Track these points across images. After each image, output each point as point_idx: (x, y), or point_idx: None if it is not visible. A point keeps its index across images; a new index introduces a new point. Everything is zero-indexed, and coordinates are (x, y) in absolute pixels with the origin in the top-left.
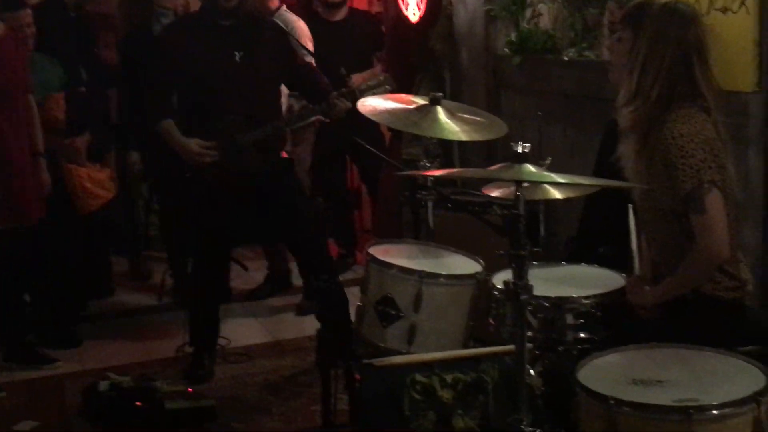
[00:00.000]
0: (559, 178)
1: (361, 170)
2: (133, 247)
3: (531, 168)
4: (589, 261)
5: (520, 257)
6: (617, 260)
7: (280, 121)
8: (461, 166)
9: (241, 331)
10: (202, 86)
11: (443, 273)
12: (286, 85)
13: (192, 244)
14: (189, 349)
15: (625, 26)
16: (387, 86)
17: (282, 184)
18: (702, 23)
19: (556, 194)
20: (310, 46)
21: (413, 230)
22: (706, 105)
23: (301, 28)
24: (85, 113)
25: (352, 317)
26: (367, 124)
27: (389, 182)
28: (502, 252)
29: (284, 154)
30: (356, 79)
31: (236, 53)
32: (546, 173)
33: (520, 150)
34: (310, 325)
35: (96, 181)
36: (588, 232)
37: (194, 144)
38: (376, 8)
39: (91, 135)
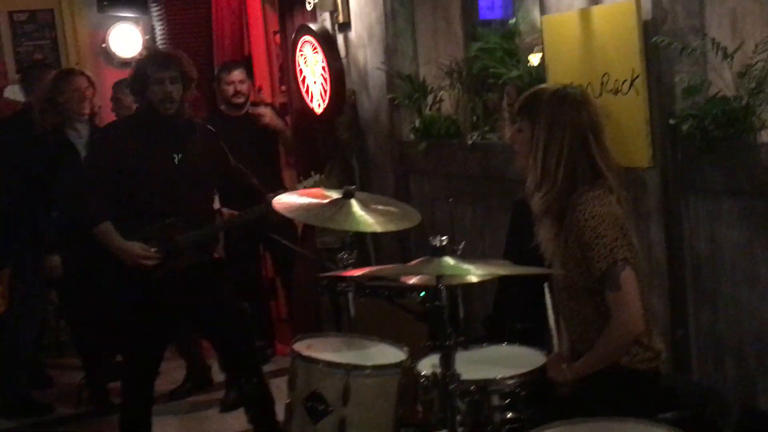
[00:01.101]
0: (478, 270)
1: (275, 261)
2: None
3: (450, 261)
4: (508, 337)
5: (445, 347)
6: (535, 335)
7: (218, 221)
8: (375, 252)
9: None
10: (142, 188)
11: (369, 364)
12: (219, 187)
13: (123, 348)
14: None
15: (522, 117)
16: (321, 186)
17: (214, 284)
18: (593, 104)
19: (473, 279)
20: None
21: (333, 319)
22: (608, 183)
23: None
24: None
25: (280, 415)
26: (279, 216)
27: (304, 271)
28: (427, 343)
29: (216, 256)
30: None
31: (175, 156)
32: (465, 266)
33: (437, 244)
34: (235, 421)
35: None
36: (504, 308)
37: (137, 247)
38: (281, 99)
39: None
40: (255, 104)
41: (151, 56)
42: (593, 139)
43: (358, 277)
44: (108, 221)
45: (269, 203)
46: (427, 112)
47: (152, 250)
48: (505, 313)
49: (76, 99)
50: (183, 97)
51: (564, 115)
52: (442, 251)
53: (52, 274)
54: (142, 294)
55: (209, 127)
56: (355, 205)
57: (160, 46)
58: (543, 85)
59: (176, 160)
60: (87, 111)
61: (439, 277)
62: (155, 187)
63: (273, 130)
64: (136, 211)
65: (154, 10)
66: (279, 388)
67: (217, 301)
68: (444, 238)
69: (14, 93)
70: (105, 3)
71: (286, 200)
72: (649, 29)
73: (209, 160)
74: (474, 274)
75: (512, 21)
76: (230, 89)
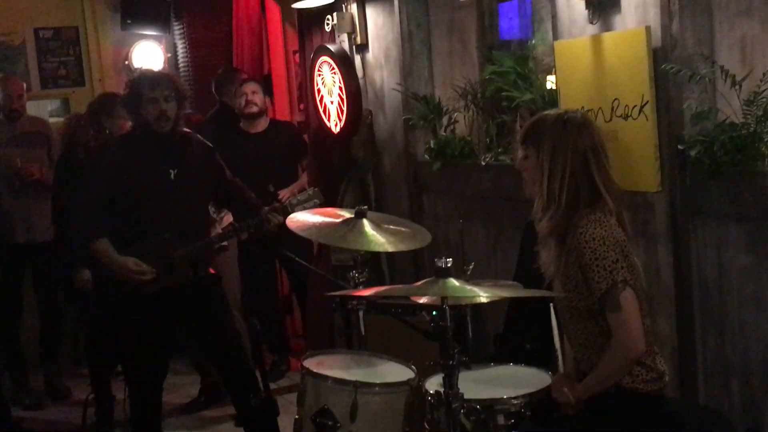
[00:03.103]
0: (482, 293)
1: (290, 277)
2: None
3: (455, 282)
4: (517, 357)
5: (449, 367)
6: (544, 356)
7: (212, 236)
8: (389, 270)
9: None
10: (137, 204)
11: (377, 382)
12: (215, 202)
13: (125, 362)
14: None
15: (527, 144)
16: (316, 200)
17: (209, 299)
18: (594, 127)
19: (482, 299)
20: None
21: (345, 336)
22: (609, 207)
23: None
24: None
25: (290, 430)
26: (295, 233)
27: (319, 288)
28: (431, 362)
29: (211, 270)
30: (283, 194)
31: (170, 171)
32: (470, 288)
33: (443, 265)
34: None
35: None
36: (514, 329)
37: (131, 262)
38: (298, 118)
39: None
40: (276, 121)
41: (144, 76)
42: (593, 160)
43: (367, 286)
44: (104, 237)
45: (263, 217)
46: (441, 132)
47: (146, 265)
48: (515, 333)
49: (125, 127)
50: (177, 115)
51: (566, 139)
52: (447, 273)
53: (84, 286)
54: (137, 308)
55: (206, 141)
56: (366, 225)
57: (181, 64)
58: (546, 112)
59: (172, 176)
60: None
61: (444, 298)
62: (150, 202)
63: (291, 147)
64: (132, 226)
65: (176, 29)
66: (292, 404)
67: (213, 316)
68: (449, 260)
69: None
70: (128, 21)
71: (299, 219)
72: (658, 56)
73: (205, 175)
74: (478, 296)
75: (530, 42)
76: (242, 100)
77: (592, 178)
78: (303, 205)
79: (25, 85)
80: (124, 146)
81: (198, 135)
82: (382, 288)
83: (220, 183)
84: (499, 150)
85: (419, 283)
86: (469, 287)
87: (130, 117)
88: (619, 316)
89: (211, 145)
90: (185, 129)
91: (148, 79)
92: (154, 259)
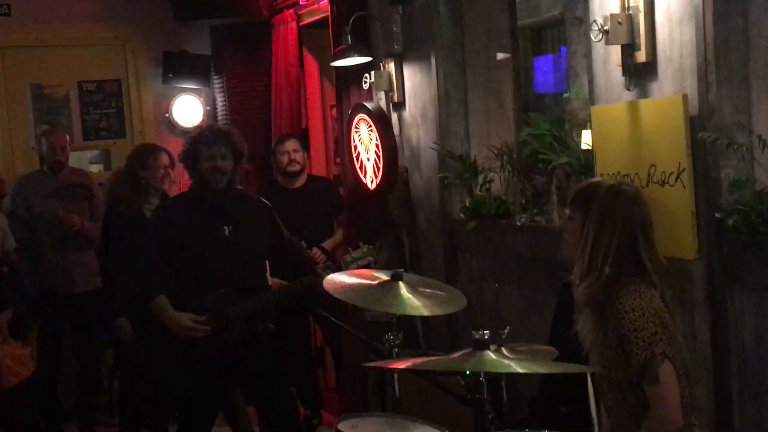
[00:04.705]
0: (519, 368)
1: (324, 330)
2: (87, 418)
3: (492, 356)
4: (552, 421)
5: None
6: (580, 419)
7: (269, 294)
8: (423, 328)
9: None
10: (193, 261)
11: None
12: (270, 260)
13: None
14: None
15: (575, 207)
16: (370, 258)
17: (266, 357)
18: (645, 203)
19: (518, 370)
20: None
21: (379, 395)
22: (652, 279)
23: None
24: (7, 290)
25: None
26: None
27: (352, 343)
28: None
29: (271, 327)
30: (316, 253)
31: (225, 228)
32: (507, 362)
33: (479, 337)
34: None
35: (16, 358)
36: (549, 391)
37: (186, 319)
38: (334, 172)
39: (13, 312)
40: (313, 176)
41: (203, 133)
42: (642, 237)
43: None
44: (163, 294)
45: (317, 275)
46: (477, 192)
47: (201, 321)
48: (550, 395)
49: (160, 175)
50: (234, 171)
51: (616, 211)
52: (484, 345)
53: (123, 336)
54: (191, 363)
55: (263, 199)
56: (403, 288)
57: (220, 117)
58: (598, 179)
59: (227, 233)
60: (166, 186)
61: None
62: (206, 259)
63: (328, 203)
64: (189, 282)
65: (216, 83)
66: None
67: (268, 375)
68: (486, 332)
69: None
70: (170, 75)
71: (336, 280)
72: (695, 124)
73: (261, 232)
74: (514, 370)
75: (565, 96)
76: (285, 159)
77: (639, 253)
78: (357, 263)
79: (68, 137)
80: (181, 203)
81: (255, 193)
82: (419, 360)
83: (276, 242)
84: (535, 211)
85: (457, 355)
86: (506, 362)
87: (188, 173)
88: (658, 390)
89: (268, 203)
90: (242, 187)
91: (205, 135)
92: (209, 315)
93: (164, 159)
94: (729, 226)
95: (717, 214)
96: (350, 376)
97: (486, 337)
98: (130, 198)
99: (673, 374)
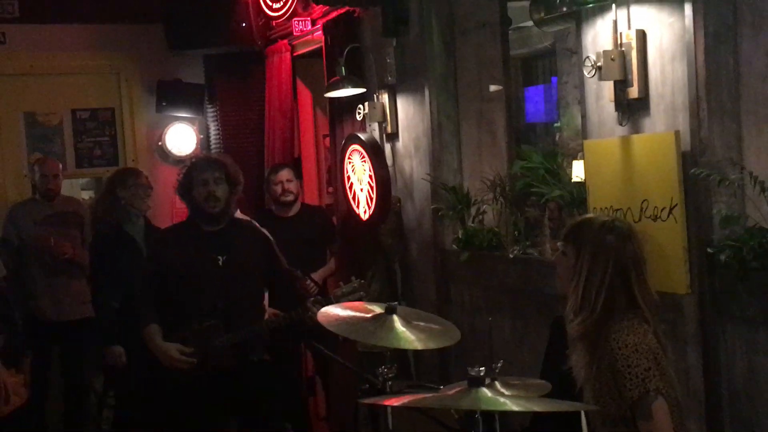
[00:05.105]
0: (514, 406)
1: (315, 359)
2: None
3: (487, 393)
4: None
5: None
6: None
7: (259, 324)
8: (415, 360)
9: None
10: (185, 289)
11: None
12: (269, 290)
13: None
14: None
15: (568, 242)
16: (362, 293)
17: (257, 387)
18: (638, 239)
19: (515, 408)
20: None
21: (371, 426)
22: (645, 316)
23: None
24: None
25: None
26: None
27: (343, 372)
28: None
29: (266, 357)
30: (319, 275)
31: (219, 258)
32: (502, 400)
33: (475, 374)
34: None
35: (9, 386)
36: (541, 423)
37: (174, 350)
38: (327, 200)
39: (5, 338)
40: (307, 206)
41: (196, 161)
42: (635, 273)
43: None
44: (155, 323)
45: (306, 309)
46: (470, 223)
47: (188, 352)
48: (542, 427)
49: (140, 196)
50: (229, 198)
51: (609, 248)
52: (479, 382)
53: (117, 363)
54: (177, 392)
55: (264, 231)
56: (396, 321)
57: (213, 145)
58: (592, 215)
59: (221, 262)
60: (146, 208)
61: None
62: (198, 288)
63: (321, 232)
64: (178, 310)
65: (210, 111)
66: None
67: (260, 405)
68: (482, 368)
69: None
70: (163, 103)
71: (330, 313)
72: (687, 160)
73: (257, 263)
74: (510, 408)
75: (555, 125)
76: (278, 188)
77: (631, 289)
78: (348, 297)
79: (60, 165)
80: (175, 232)
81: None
82: (414, 397)
83: (273, 273)
84: (527, 243)
85: (452, 392)
86: (502, 399)
87: (184, 202)
88: (651, 425)
89: (269, 236)
90: (242, 216)
91: (199, 162)
92: (196, 345)
93: (143, 180)
94: (721, 261)
95: (709, 249)
96: (341, 405)
97: (482, 374)
98: (111, 216)
99: (666, 410)
